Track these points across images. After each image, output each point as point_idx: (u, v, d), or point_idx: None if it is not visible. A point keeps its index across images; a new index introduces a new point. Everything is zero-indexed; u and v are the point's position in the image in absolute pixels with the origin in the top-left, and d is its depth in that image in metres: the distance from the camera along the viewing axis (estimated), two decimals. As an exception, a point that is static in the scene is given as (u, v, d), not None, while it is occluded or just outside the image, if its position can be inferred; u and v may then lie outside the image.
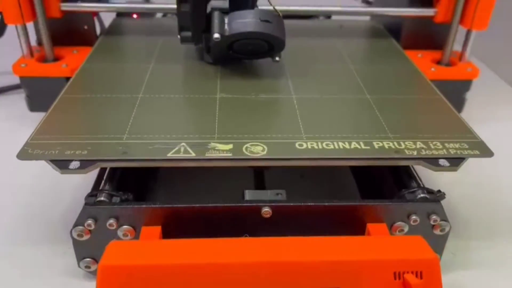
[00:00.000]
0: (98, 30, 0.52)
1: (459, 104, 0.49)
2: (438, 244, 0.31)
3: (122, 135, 0.32)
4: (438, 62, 0.50)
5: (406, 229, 0.31)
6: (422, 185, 0.32)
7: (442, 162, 0.31)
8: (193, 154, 0.30)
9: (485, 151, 0.32)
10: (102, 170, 0.34)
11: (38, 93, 0.46)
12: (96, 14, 0.51)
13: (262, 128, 0.34)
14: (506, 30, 0.64)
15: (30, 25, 0.46)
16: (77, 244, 0.30)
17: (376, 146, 0.32)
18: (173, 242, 0.26)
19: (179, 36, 0.42)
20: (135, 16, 0.57)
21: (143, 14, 0.58)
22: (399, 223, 0.30)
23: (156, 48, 0.47)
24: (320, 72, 0.43)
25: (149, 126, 0.34)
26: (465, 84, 0.49)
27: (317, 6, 0.50)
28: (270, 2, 0.42)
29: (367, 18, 0.60)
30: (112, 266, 0.24)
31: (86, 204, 0.29)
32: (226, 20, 0.38)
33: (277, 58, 0.40)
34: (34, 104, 0.47)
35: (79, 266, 0.31)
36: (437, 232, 0.31)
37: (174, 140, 0.32)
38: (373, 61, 0.47)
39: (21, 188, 0.40)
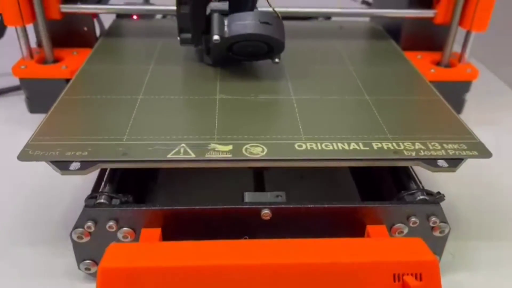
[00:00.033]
0: (97, 31, 0.52)
1: (458, 105, 0.50)
2: (437, 245, 0.31)
3: (122, 136, 0.32)
4: (438, 63, 0.50)
5: (405, 231, 0.31)
6: (421, 187, 0.32)
7: (441, 163, 0.31)
8: (193, 155, 0.30)
9: (484, 152, 0.32)
10: (102, 172, 0.34)
11: (38, 94, 0.47)
12: (95, 15, 0.51)
13: (261, 129, 0.34)
14: (506, 31, 0.64)
15: (30, 27, 0.46)
16: (77, 246, 0.30)
17: (375, 147, 0.32)
18: (173, 244, 0.26)
19: (178, 38, 0.42)
20: (134, 17, 0.57)
21: (143, 15, 0.58)
22: (398, 225, 0.30)
23: (156, 49, 0.48)
24: (319, 73, 0.43)
25: (149, 127, 0.34)
26: (465, 85, 0.49)
27: (317, 7, 0.50)
28: (269, 4, 0.42)
29: (367, 19, 0.60)
30: (112, 269, 0.24)
31: (86, 206, 0.29)
32: (225, 22, 0.38)
33: (276, 60, 0.41)
34: (34, 106, 0.47)
35: (79, 268, 0.31)
36: (436, 233, 0.31)
37: (174, 141, 0.32)
38: (372, 62, 0.47)
39: (21, 190, 0.40)
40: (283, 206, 0.30)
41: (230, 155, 0.30)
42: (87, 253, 0.30)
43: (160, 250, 0.26)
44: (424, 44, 0.52)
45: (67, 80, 0.44)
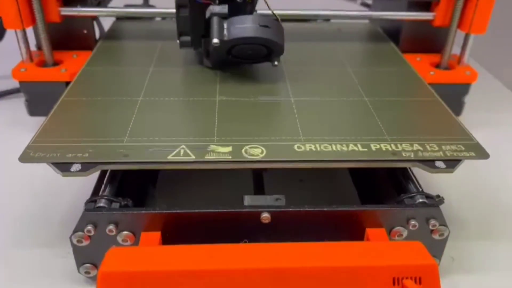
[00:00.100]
0: (97, 34, 0.52)
1: (458, 107, 0.50)
2: (437, 248, 0.31)
3: (122, 138, 0.32)
4: (437, 66, 0.50)
5: (405, 234, 0.31)
6: (421, 190, 0.32)
7: (439, 164, 0.31)
8: (193, 157, 0.31)
9: (481, 153, 0.32)
10: (102, 174, 0.34)
11: (38, 97, 0.46)
12: (95, 18, 0.51)
13: (261, 130, 0.34)
14: (505, 33, 0.65)
15: (29, 29, 0.46)
16: (76, 250, 0.30)
17: (374, 148, 0.32)
18: (173, 248, 0.26)
19: (178, 41, 0.42)
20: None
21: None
22: (398, 228, 0.30)
23: (156, 51, 0.48)
24: (318, 75, 0.43)
25: (149, 129, 0.34)
26: (464, 88, 0.49)
27: (316, 10, 0.50)
28: (268, 7, 0.42)
29: (366, 21, 0.60)
30: (112, 273, 0.24)
31: (85, 209, 0.29)
32: (225, 25, 0.38)
33: (276, 63, 0.41)
34: (34, 109, 0.47)
35: (79, 271, 0.31)
36: (436, 236, 0.31)
37: (174, 143, 0.32)
38: (371, 63, 0.47)
39: (21, 191, 0.41)
40: (282, 209, 0.30)
41: (230, 157, 0.31)
42: (87, 256, 0.30)
43: (160, 254, 0.26)
44: (423, 47, 0.52)
45: (67, 83, 0.44)
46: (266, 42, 0.39)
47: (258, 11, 0.43)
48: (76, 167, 0.30)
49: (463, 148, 0.32)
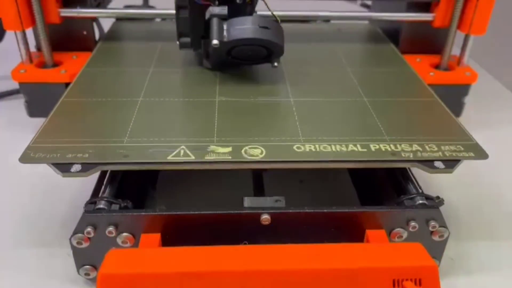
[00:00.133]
0: (97, 35, 0.52)
1: (457, 108, 0.50)
2: (437, 250, 0.31)
3: (122, 139, 0.33)
4: (437, 67, 0.50)
5: (405, 235, 0.31)
6: (421, 191, 0.32)
7: (438, 164, 0.31)
8: (192, 157, 0.31)
9: (480, 153, 0.32)
10: (102, 175, 0.34)
11: (37, 99, 0.46)
12: (95, 19, 0.51)
13: (260, 131, 0.34)
14: (505, 33, 0.65)
15: (29, 30, 0.46)
16: (76, 252, 0.30)
17: (373, 149, 0.32)
18: (173, 250, 0.26)
19: (178, 42, 0.42)
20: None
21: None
22: (398, 229, 0.30)
23: (156, 52, 0.48)
24: (318, 76, 0.43)
25: (149, 129, 0.34)
26: (464, 89, 0.49)
27: (316, 11, 0.50)
28: (268, 8, 0.42)
29: (366, 22, 0.60)
30: (112, 275, 0.24)
31: (85, 211, 0.29)
32: (225, 27, 0.38)
33: (275, 64, 0.41)
34: (33, 110, 0.47)
35: (78, 273, 0.31)
36: (436, 238, 0.31)
37: (174, 143, 0.32)
38: (370, 64, 0.47)
39: (21, 192, 0.41)
40: (282, 211, 0.30)
41: (230, 157, 0.31)
42: (87, 258, 0.30)
43: (159, 256, 0.26)
44: (423, 47, 0.52)
45: (67, 84, 0.44)
46: (265, 43, 0.39)
47: (258, 12, 0.43)
48: (76, 167, 0.30)
49: (462, 149, 0.32)
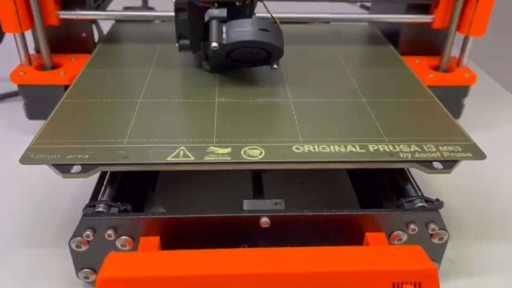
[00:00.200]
0: (96, 37, 0.52)
1: (457, 109, 0.50)
2: (436, 252, 0.31)
3: (122, 140, 0.33)
4: (436, 68, 0.50)
5: (404, 238, 0.31)
6: (420, 194, 0.32)
7: (436, 164, 0.31)
8: (192, 158, 0.31)
9: (478, 154, 0.32)
10: (102, 177, 0.34)
11: (36, 101, 0.46)
12: (94, 21, 0.51)
13: (259, 131, 0.34)
14: (504, 34, 0.65)
15: (28, 32, 0.46)
16: (75, 255, 0.30)
17: (371, 149, 0.32)
18: (172, 254, 0.26)
19: (177, 44, 0.42)
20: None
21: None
22: (397, 232, 0.30)
23: (155, 54, 0.48)
24: (317, 77, 0.43)
25: (149, 130, 0.34)
26: (463, 90, 0.49)
27: (315, 13, 0.50)
28: (268, 10, 0.42)
29: (365, 23, 0.60)
30: (111, 279, 0.24)
31: (84, 214, 0.29)
32: (224, 29, 0.38)
33: (275, 66, 0.41)
34: (33, 112, 0.47)
35: (77, 276, 0.31)
36: (435, 240, 0.31)
37: (174, 144, 0.32)
38: (369, 65, 0.47)
39: (21, 193, 0.41)
40: (282, 214, 0.30)
41: (229, 158, 0.31)
42: (86, 261, 0.30)
43: (158, 259, 0.25)
44: (423, 49, 0.52)
45: (66, 87, 0.44)
46: (265, 45, 0.39)
47: (257, 14, 0.43)
48: (76, 168, 0.30)
49: (460, 149, 0.32)
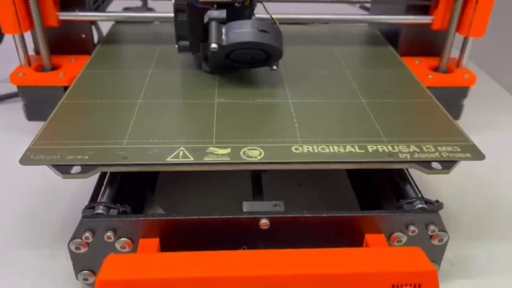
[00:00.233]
0: (95, 38, 0.52)
1: (456, 111, 0.50)
2: (436, 254, 0.31)
3: (122, 140, 0.33)
4: (436, 69, 0.50)
5: (404, 239, 0.31)
6: (420, 195, 0.32)
7: (435, 165, 0.31)
8: (191, 159, 0.31)
9: (477, 154, 0.32)
10: (102, 178, 0.34)
11: (36, 102, 0.46)
12: (93, 22, 0.51)
13: (259, 132, 0.34)
14: (505, 36, 0.65)
15: (28, 33, 0.46)
16: (74, 257, 0.30)
17: (370, 150, 0.32)
18: (171, 256, 0.26)
19: (176, 46, 0.42)
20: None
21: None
22: (397, 233, 0.30)
23: (155, 54, 0.48)
24: (316, 77, 0.43)
25: (149, 131, 0.34)
26: (463, 91, 0.49)
27: (315, 14, 0.50)
28: (267, 11, 0.42)
29: (365, 24, 0.60)
30: (110, 281, 0.24)
31: (83, 216, 0.29)
32: (223, 30, 0.38)
33: (274, 67, 0.41)
34: (32, 114, 0.47)
35: (77, 278, 0.31)
36: (435, 242, 0.31)
37: (173, 145, 0.32)
38: (368, 66, 0.48)
39: (21, 194, 0.41)
40: (281, 215, 0.30)
41: (228, 158, 0.31)
42: (85, 263, 0.30)
43: (158, 261, 0.25)
44: (422, 50, 0.52)
45: (65, 88, 0.44)
46: (264, 47, 0.39)
47: (257, 15, 0.43)
48: (76, 169, 0.30)
49: (459, 149, 0.33)
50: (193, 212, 0.29)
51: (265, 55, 0.40)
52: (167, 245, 0.29)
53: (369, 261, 0.26)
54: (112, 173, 0.33)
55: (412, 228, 0.30)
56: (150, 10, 0.63)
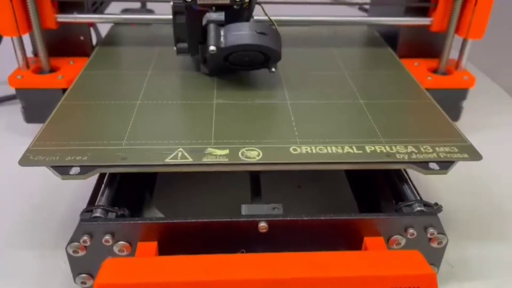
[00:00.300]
0: (94, 40, 0.52)
1: (455, 112, 0.49)
2: (435, 256, 0.31)
3: (121, 141, 0.33)
4: (435, 71, 0.50)
5: (403, 242, 0.30)
6: (419, 198, 0.32)
7: (432, 165, 0.31)
8: (190, 159, 0.31)
9: (474, 155, 0.32)
10: (100, 179, 0.34)
11: (34, 104, 0.46)
12: (92, 24, 0.51)
13: (257, 133, 0.34)
14: (504, 37, 0.65)
15: (26, 36, 0.46)
16: (72, 260, 0.30)
17: (368, 150, 0.32)
18: (169, 259, 0.26)
19: (175, 48, 0.42)
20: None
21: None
22: (396, 236, 0.30)
23: (153, 56, 0.48)
24: (315, 79, 0.44)
25: (147, 132, 0.34)
26: (462, 93, 0.49)
27: (314, 16, 0.50)
28: (266, 14, 0.42)
29: (364, 26, 0.60)
30: (108, 285, 0.24)
31: (81, 220, 0.29)
32: (222, 33, 0.38)
33: (273, 69, 0.41)
34: (30, 116, 0.47)
35: (75, 282, 0.30)
36: (434, 245, 0.31)
37: (172, 146, 0.32)
38: (367, 68, 0.48)
39: (20, 194, 0.41)
40: (280, 218, 0.30)
41: (227, 159, 0.31)
42: (83, 267, 0.30)
43: (156, 265, 0.25)
44: (421, 51, 0.52)
45: (64, 90, 0.44)
46: (263, 49, 0.39)
47: (255, 17, 0.43)
48: (75, 170, 0.30)
49: (456, 150, 0.33)
50: (192, 215, 0.29)
51: (264, 57, 0.40)
52: (165, 249, 0.29)
53: (368, 264, 0.26)
54: (111, 175, 0.33)
55: (411, 231, 0.30)
56: (149, 12, 0.63)
